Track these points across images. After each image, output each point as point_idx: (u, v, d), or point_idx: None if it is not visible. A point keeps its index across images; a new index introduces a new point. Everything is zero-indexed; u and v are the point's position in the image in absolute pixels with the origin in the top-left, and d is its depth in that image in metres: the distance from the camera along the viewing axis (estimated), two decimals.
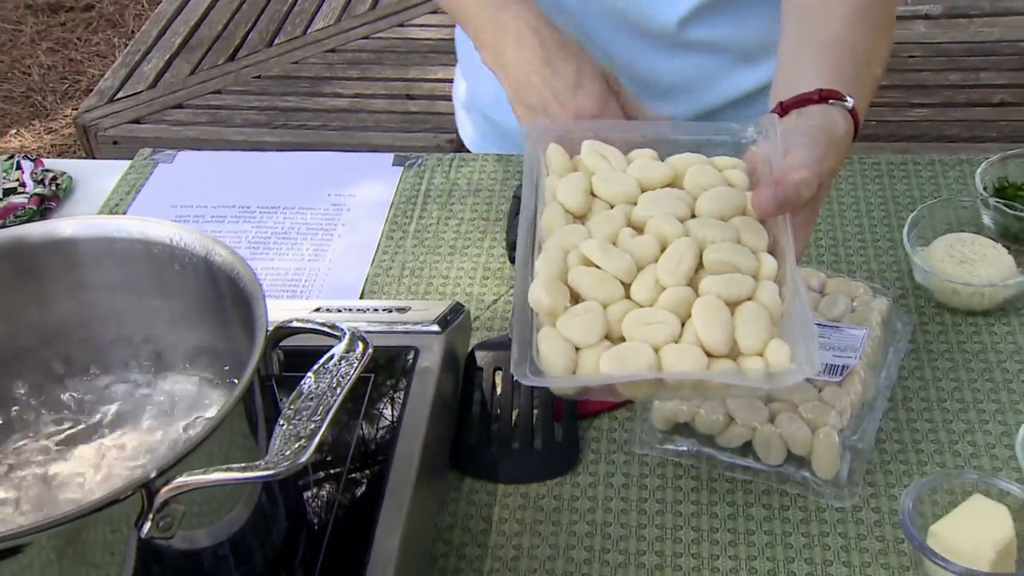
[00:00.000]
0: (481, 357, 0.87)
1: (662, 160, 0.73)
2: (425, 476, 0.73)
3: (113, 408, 0.65)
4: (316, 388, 0.55)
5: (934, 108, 2.34)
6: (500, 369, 0.86)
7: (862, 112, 0.76)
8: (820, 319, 0.85)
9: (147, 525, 0.54)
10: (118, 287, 0.66)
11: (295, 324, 0.61)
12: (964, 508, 0.71)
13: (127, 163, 1.18)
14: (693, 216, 0.69)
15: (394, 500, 0.69)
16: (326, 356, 0.58)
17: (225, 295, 0.63)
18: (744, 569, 0.73)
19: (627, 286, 0.65)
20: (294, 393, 0.55)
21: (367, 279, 1.00)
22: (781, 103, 0.75)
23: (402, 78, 2.46)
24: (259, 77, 2.53)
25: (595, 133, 0.75)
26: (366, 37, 2.63)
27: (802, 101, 0.74)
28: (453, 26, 1.06)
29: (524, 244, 0.67)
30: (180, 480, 0.52)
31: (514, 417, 0.84)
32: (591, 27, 1.02)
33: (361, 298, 0.98)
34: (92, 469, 0.62)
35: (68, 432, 0.65)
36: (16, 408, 0.66)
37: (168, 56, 2.66)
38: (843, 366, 0.81)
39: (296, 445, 0.52)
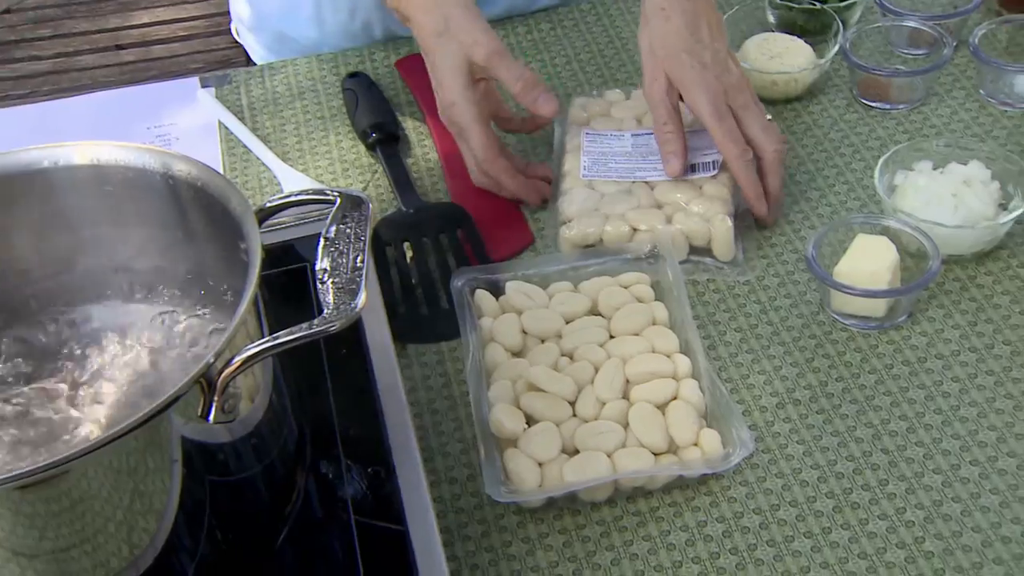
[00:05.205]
0: (385, 233, 0.89)
1: (575, 284, 0.82)
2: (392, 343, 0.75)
3: (107, 335, 0.63)
4: (337, 243, 0.56)
5: None
6: (408, 240, 0.89)
7: None
8: None
9: (212, 412, 0.53)
10: (77, 214, 0.63)
11: (278, 201, 0.61)
12: (854, 247, 0.83)
13: None
14: (612, 335, 0.78)
15: (382, 366, 0.71)
16: (328, 220, 0.58)
17: (186, 203, 0.62)
18: None
19: (572, 404, 0.74)
20: (320, 253, 0.56)
21: None
22: None
23: (102, 29, 2.31)
24: None
25: (515, 273, 0.83)
26: None
27: None
28: None
29: (475, 382, 0.76)
30: (248, 352, 0.52)
31: (434, 279, 0.87)
32: None
33: None
34: (106, 395, 0.60)
35: (58, 365, 0.62)
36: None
37: None
38: (714, 161, 0.90)
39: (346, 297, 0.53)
